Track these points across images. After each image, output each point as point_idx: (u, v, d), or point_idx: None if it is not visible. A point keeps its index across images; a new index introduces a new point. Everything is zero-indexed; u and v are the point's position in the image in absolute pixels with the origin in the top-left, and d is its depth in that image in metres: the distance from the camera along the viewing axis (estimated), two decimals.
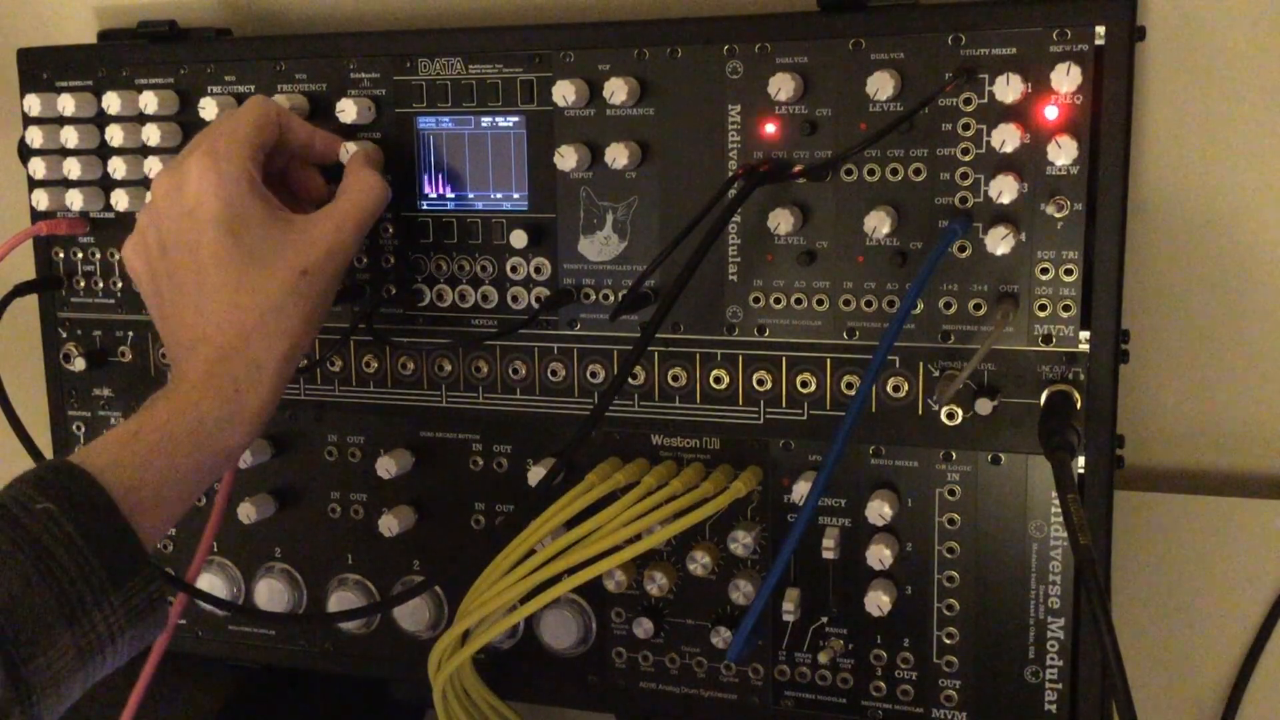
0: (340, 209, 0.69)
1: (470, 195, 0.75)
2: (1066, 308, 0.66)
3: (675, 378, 0.74)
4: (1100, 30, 0.63)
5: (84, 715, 0.58)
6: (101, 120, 0.81)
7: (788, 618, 0.73)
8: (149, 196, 0.69)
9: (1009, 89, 0.64)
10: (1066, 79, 0.63)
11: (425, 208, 0.76)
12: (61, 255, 0.85)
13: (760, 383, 0.72)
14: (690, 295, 0.70)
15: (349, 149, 0.74)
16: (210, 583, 0.84)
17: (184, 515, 0.63)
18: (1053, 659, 0.70)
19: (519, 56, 0.73)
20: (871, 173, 0.68)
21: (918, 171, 0.67)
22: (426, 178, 0.76)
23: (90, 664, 0.56)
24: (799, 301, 0.70)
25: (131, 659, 0.59)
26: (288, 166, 0.74)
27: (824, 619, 0.74)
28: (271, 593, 0.84)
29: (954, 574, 0.71)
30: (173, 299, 0.67)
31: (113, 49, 0.82)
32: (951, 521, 0.71)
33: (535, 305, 0.75)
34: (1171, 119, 0.75)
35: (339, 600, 0.83)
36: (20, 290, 0.83)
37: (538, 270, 0.75)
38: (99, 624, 0.56)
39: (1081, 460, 0.67)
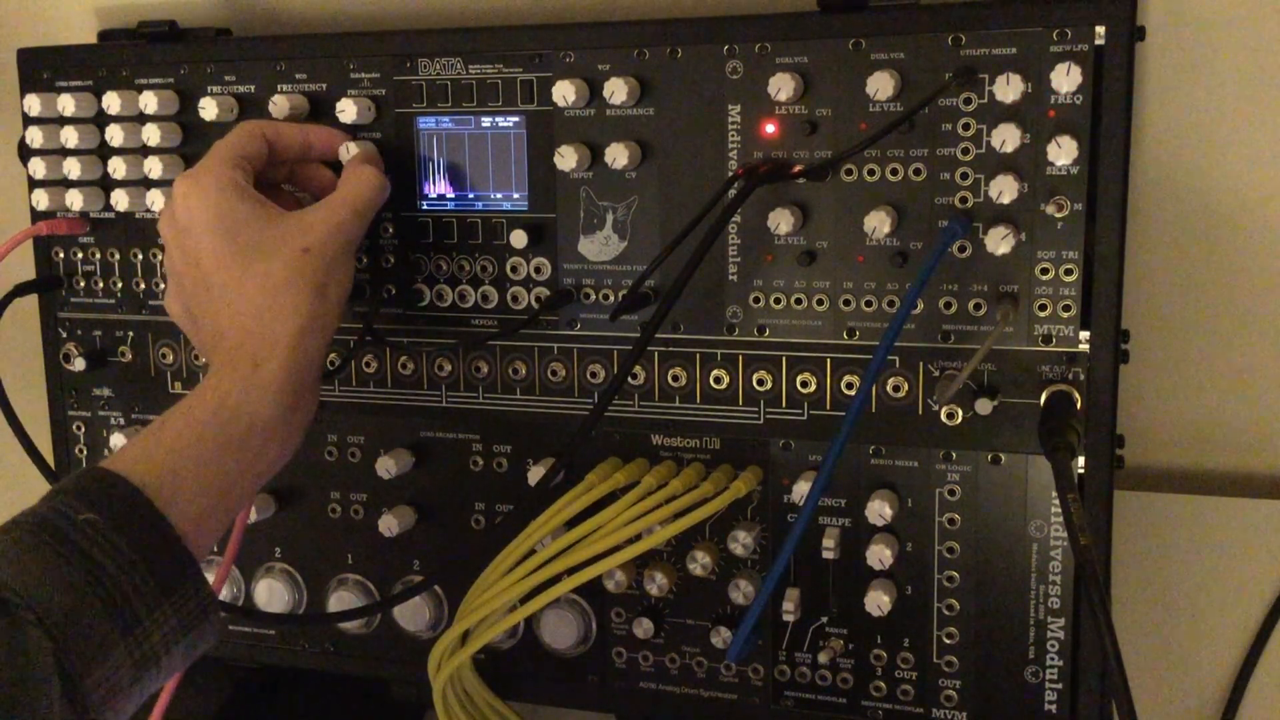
0: (335, 197, 0.71)
1: (470, 195, 0.75)
2: (1066, 308, 0.66)
3: (675, 378, 0.73)
4: (1100, 30, 0.63)
5: None
6: (101, 120, 0.81)
7: (788, 618, 0.73)
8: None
9: (1009, 89, 0.64)
10: (1066, 79, 0.63)
11: (425, 208, 0.76)
12: (61, 255, 0.85)
13: (760, 383, 0.72)
14: (690, 295, 0.70)
15: (350, 149, 0.74)
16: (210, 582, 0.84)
17: (228, 513, 0.63)
18: (1053, 659, 0.70)
19: (519, 56, 0.73)
20: (871, 173, 0.68)
21: (918, 171, 0.67)
22: (426, 178, 0.76)
23: (145, 676, 0.56)
24: (799, 301, 0.70)
25: None
26: (295, 170, 0.75)
27: (824, 619, 0.74)
28: (271, 593, 0.84)
29: (954, 574, 0.71)
30: (198, 314, 0.69)
31: (113, 49, 0.82)
32: (951, 521, 0.71)
33: (535, 305, 0.75)
34: (1171, 119, 0.75)
35: (339, 600, 0.83)
36: (20, 290, 0.83)
37: (538, 270, 0.75)
38: (153, 634, 0.56)
39: (1081, 460, 0.67)
